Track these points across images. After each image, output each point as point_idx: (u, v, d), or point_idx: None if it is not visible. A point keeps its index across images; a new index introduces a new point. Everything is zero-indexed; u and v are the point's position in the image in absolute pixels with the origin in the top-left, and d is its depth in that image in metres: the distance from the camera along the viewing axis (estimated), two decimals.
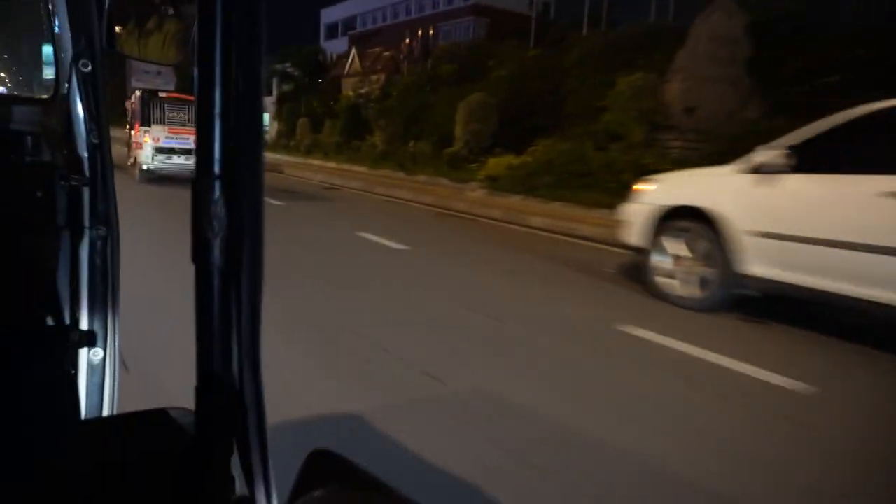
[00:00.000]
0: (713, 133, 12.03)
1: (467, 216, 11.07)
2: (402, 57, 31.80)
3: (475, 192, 13.64)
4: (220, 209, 0.62)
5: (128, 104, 15.72)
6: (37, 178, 1.41)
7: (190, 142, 10.97)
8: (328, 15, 62.01)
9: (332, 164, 21.93)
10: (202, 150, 0.63)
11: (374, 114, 24.30)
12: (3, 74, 2.20)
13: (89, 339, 1.42)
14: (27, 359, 1.35)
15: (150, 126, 13.47)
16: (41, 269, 1.44)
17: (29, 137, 1.45)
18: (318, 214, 10.80)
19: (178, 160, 13.19)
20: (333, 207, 11.99)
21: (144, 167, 13.51)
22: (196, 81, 0.62)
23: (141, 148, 13.62)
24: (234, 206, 0.62)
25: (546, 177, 12.58)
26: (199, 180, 0.62)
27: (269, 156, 26.75)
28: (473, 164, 15.51)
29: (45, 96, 1.52)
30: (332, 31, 59.61)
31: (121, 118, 19.10)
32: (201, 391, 0.68)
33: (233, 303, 0.63)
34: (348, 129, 27.87)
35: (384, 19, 54.21)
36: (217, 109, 0.62)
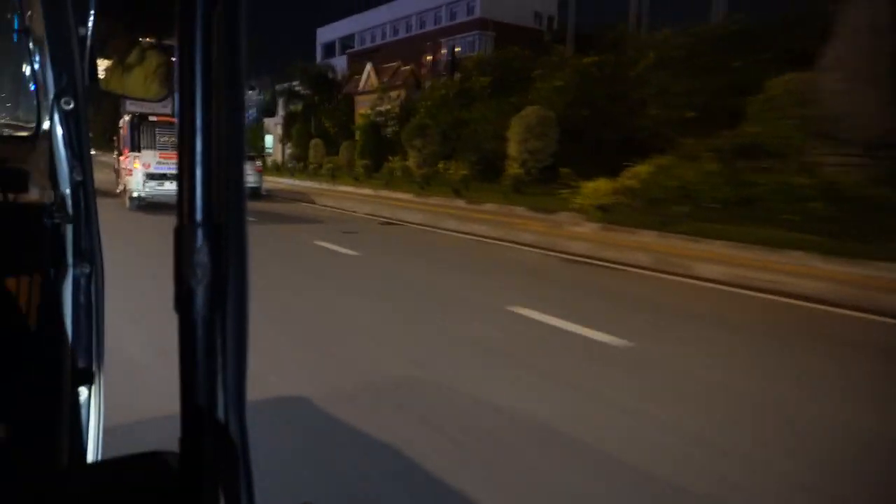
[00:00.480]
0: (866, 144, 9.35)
1: (604, 264, 8.21)
2: (423, 70, 29.05)
3: (583, 227, 10.77)
4: (203, 257, 0.61)
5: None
6: (19, 216, 1.39)
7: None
8: (325, 34, 59.52)
9: (367, 191, 18.97)
10: (184, 196, 0.61)
11: (408, 133, 21.46)
12: None
13: (74, 379, 1.36)
14: (11, 399, 1.29)
15: (140, 151, 12.72)
16: (24, 309, 1.38)
17: (11, 175, 1.41)
18: (420, 271, 7.86)
19: (170, 187, 12.09)
20: (425, 257, 9.06)
21: (135, 194, 12.74)
22: (177, 124, 0.60)
23: (131, 174, 12.89)
24: (218, 253, 0.61)
25: (681, 206, 9.77)
26: (181, 227, 0.61)
27: (290, 182, 23.76)
28: (564, 191, 12.67)
29: (27, 133, 1.49)
30: (330, 51, 56.97)
31: (110, 144, 16.62)
32: (186, 440, 0.65)
33: (218, 352, 0.62)
34: (370, 150, 25.02)
35: (384, 37, 51.80)
36: (199, 153, 0.60)
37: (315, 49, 59.60)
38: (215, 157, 0.60)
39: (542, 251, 9.22)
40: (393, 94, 27.80)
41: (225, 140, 0.60)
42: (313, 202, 16.93)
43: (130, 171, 12.96)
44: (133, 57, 1.15)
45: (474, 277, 7.28)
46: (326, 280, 6.91)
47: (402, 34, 50.46)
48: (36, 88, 1.43)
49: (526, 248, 9.47)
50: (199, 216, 0.60)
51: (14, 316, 1.38)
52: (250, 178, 16.97)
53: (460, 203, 15.21)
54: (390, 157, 25.22)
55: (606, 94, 17.55)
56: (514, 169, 17.10)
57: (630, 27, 22.54)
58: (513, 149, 17.31)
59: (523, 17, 45.32)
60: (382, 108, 26.67)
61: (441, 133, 21.20)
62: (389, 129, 26.58)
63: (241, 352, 0.62)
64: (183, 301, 0.61)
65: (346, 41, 56.29)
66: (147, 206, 12.58)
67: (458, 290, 6.54)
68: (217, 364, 0.62)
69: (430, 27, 48.58)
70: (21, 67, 1.57)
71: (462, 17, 46.35)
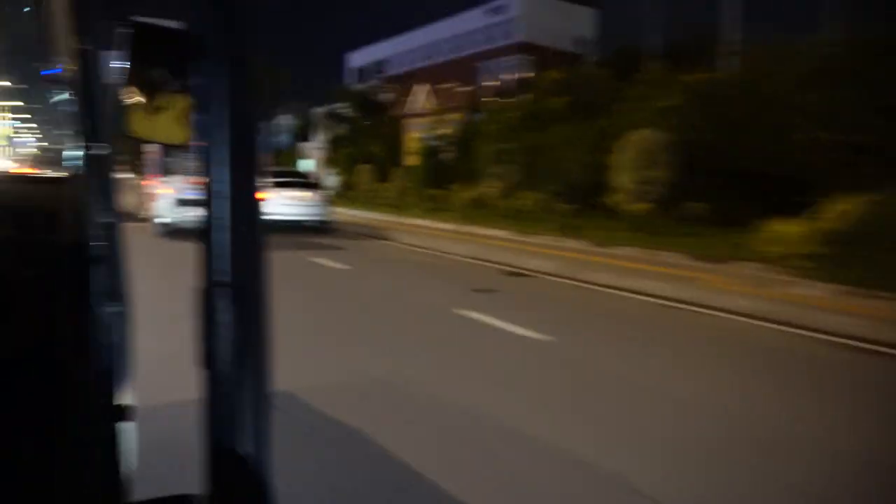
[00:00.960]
0: None
1: None
2: (481, 91, 26.52)
3: (807, 288, 7.90)
4: (225, 316, 0.61)
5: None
6: (51, 256, 1.41)
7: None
8: (355, 59, 57.58)
9: (447, 226, 16.16)
10: (207, 258, 0.62)
11: (486, 159, 18.83)
12: (27, 153, 2.23)
13: (106, 418, 1.36)
14: (44, 440, 1.29)
15: (167, 176, 12.07)
16: (54, 349, 1.37)
17: (45, 215, 1.46)
18: (684, 381, 5.05)
19: (198, 212, 10.22)
20: (651, 345, 6.26)
21: (162, 221, 11.99)
22: (203, 188, 0.62)
23: (158, 199, 12.21)
24: (239, 312, 0.61)
25: None
26: (203, 287, 0.61)
27: (348, 212, 21.05)
28: (733, 230, 9.89)
29: (62, 175, 1.53)
30: (361, 76, 54.96)
31: (135, 166, 14.94)
32: (211, 487, 0.65)
33: (243, 408, 0.62)
34: (430, 177, 22.39)
35: (417, 62, 49.79)
36: (220, 215, 0.61)
37: (343, 74, 57.63)
38: (237, 219, 0.60)
39: (783, 329, 6.38)
40: (450, 117, 25.23)
41: (244, 202, 0.60)
42: (390, 239, 14.23)
43: (158, 195, 12.20)
44: (160, 100, 1.11)
45: (793, 402, 4.44)
46: (576, 416, 4.11)
47: (437, 59, 48.46)
48: (68, 133, 1.43)
49: (752, 323, 6.63)
50: (220, 276, 0.60)
51: (44, 357, 1.34)
52: (313, 210, 14.39)
53: (577, 244, 12.35)
54: (448, 186, 22.63)
55: (727, 116, 14.83)
56: (623, 202, 14.36)
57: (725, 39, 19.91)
58: (622, 178, 14.57)
59: (561, 40, 43.07)
60: (440, 132, 24.06)
61: (525, 159, 18.54)
62: (447, 155, 23.99)
63: (264, 408, 0.61)
64: (205, 358, 0.61)
65: (378, 66, 54.30)
66: (174, 232, 11.61)
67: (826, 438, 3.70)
68: (240, 416, 0.60)
69: (465, 52, 46.56)
70: (58, 112, 1.60)
71: (499, 42, 44.34)
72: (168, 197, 11.98)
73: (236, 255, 0.61)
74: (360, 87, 32.63)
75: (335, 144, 29.07)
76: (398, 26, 50.92)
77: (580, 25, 45.38)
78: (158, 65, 1.15)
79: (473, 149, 22.31)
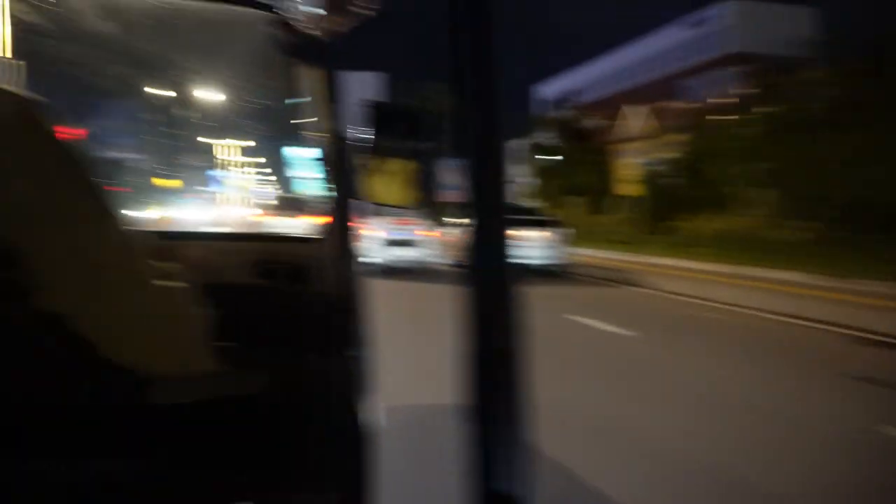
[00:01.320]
0: None
1: None
2: (702, 109, 22.93)
3: None
4: (485, 377, 0.63)
5: None
6: (301, 306, 1.52)
7: (415, 234, 12.35)
8: (546, 90, 55.82)
9: (708, 267, 12.98)
10: (469, 322, 0.64)
11: (734, 182, 15.46)
12: (269, 204, 2.56)
13: (349, 456, 1.44)
14: (297, 473, 1.38)
15: (373, 218, 12.17)
16: (304, 388, 1.47)
17: (296, 270, 1.57)
18: None
19: (406, 252, 12.33)
20: None
21: (373, 260, 12.07)
22: (467, 259, 0.64)
23: (367, 241, 12.16)
24: (501, 375, 0.63)
25: None
26: (466, 350, 0.64)
27: (572, 251, 18.84)
28: None
29: (314, 236, 1.66)
30: (554, 106, 53.00)
31: None
32: None
33: (507, 469, 0.63)
34: (659, 208, 19.35)
35: (614, 86, 46.57)
36: (482, 283, 0.64)
37: (528, 105, 56.05)
38: (495, 282, 0.63)
39: None
40: (670, 139, 21.96)
41: (499, 264, 0.63)
42: (642, 285, 11.51)
43: (367, 237, 12.17)
44: (390, 165, 1.32)
45: None
46: None
47: (637, 81, 44.96)
48: (311, 190, 1.61)
49: None
50: (481, 342, 0.63)
51: (295, 395, 1.42)
52: (549, 252, 12.21)
53: None
54: (677, 216, 19.37)
55: None
56: None
57: None
58: None
59: (775, 46, 37.30)
60: (663, 157, 20.88)
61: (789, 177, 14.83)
62: (672, 181, 20.73)
63: (522, 460, 0.63)
64: (468, 414, 0.64)
65: (574, 94, 52.01)
66: (384, 271, 11.73)
67: None
68: (501, 472, 0.63)
69: (668, 70, 42.60)
70: (302, 170, 1.80)
71: (706, 55, 39.82)
72: (376, 238, 12.19)
73: (497, 317, 0.62)
74: (558, 116, 30.39)
75: (543, 176, 26.99)
76: (584, 53, 48.43)
77: (793, 27, 39.29)
78: (393, 136, 1.39)
79: (706, 172, 18.87)
